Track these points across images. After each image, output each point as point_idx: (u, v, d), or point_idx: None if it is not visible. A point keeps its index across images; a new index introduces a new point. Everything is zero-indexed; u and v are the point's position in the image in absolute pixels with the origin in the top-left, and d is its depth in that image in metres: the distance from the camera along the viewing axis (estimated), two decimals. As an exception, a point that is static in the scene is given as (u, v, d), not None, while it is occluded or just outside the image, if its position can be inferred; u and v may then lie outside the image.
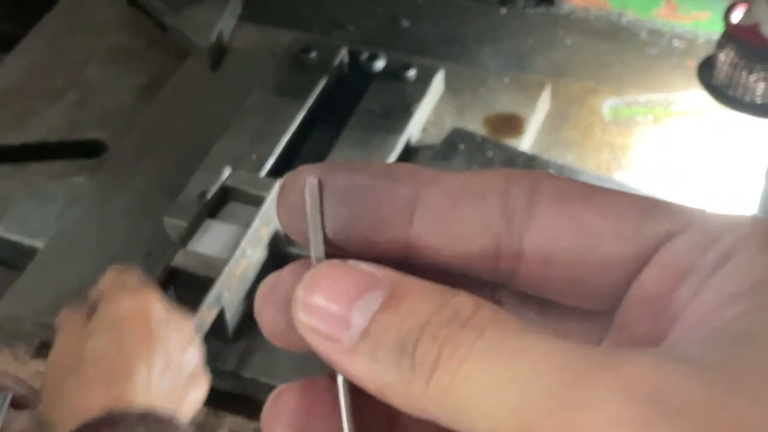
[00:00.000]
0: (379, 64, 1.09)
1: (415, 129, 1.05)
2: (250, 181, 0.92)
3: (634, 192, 0.24)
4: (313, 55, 1.08)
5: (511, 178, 0.24)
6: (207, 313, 0.83)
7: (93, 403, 0.68)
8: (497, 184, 0.24)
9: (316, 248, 0.24)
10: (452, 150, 1.02)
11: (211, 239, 0.87)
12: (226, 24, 1.16)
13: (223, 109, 1.06)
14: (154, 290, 0.75)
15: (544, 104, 1.09)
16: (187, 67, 1.15)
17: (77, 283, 0.93)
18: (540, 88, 1.09)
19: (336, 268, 0.23)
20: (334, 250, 0.24)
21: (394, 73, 1.08)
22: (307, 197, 0.24)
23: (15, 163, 1.07)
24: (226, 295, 0.85)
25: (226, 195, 0.91)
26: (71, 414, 0.68)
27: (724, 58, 0.98)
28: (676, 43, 1.17)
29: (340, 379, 0.23)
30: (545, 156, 1.03)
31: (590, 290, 0.24)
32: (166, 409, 0.70)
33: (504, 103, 1.09)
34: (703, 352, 0.20)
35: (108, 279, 0.76)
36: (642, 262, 0.23)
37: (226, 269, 0.84)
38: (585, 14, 1.22)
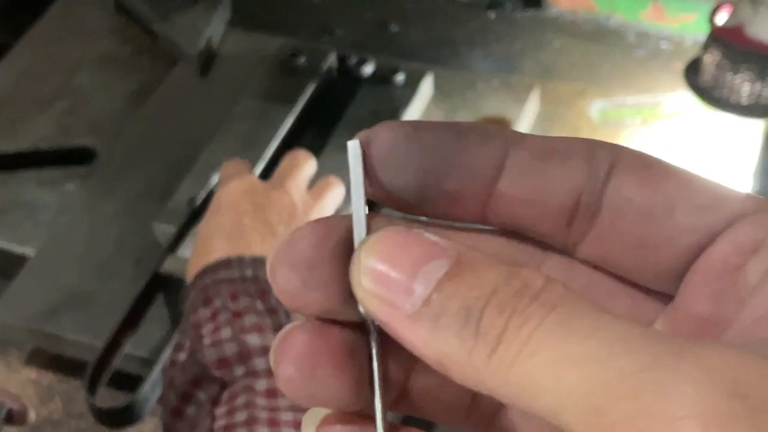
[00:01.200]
0: (368, 69, 1.09)
1: (403, 133, 1.05)
2: None
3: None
4: (301, 60, 1.08)
5: (595, 143, 0.24)
6: None
7: (213, 257, 0.77)
8: (582, 146, 0.24)
9: (357, 210, 0.24)
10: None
11: None
12: (214, 30, 1.16)
13: (212, 114, 1.06)
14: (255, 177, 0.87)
15: (532, 107, 1.10)
16: (176, 73, 1.15)
17: (68, 290, 0.94)
18: (528, 90, 1.10)
19: (400, 234, 0.22)
20: (406, 205, 0.24)
21: (382, 77, 1.08)
22: (350, 161, 0.24)
23: (5, 171, 1.07)
24: None
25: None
26: (191, 272, 0.77)
27: (710, 59, 0.99)
28: (664, 45, 1.18)
29: (373, 340, 0.23)
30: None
31: (655, 261, 0.24)
32: None
33: (493, 106, 1.09)
34: None
35: (222, 170, 0.89)
36: (712, 236, 0.23)
37: None
38: (573, 17, 1.22)
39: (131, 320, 0.83)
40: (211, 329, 0.70)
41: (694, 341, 0.19)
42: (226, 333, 0.69)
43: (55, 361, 0.95)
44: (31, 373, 0.95)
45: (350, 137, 0.24)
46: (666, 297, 0.25)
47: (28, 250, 0.99)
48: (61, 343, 0.92)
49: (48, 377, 0.94)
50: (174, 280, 0.85)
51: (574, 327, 0.20)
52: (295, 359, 0.23)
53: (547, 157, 0.24)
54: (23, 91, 1.16)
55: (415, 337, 0.21)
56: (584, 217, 0.24)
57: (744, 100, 0.99)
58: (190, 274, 0.78)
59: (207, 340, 0.70)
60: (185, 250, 0.87)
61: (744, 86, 0.98)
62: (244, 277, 0.74)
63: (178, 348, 0.72)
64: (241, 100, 1.06)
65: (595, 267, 0.25)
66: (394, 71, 1.08)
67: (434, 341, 0.21)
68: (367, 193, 0.24)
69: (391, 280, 0.22)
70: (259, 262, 0.75)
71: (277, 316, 0.71)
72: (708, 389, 0.18)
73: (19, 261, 0.98)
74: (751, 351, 0.19)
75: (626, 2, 1.20)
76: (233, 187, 0.84)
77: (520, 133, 0.24)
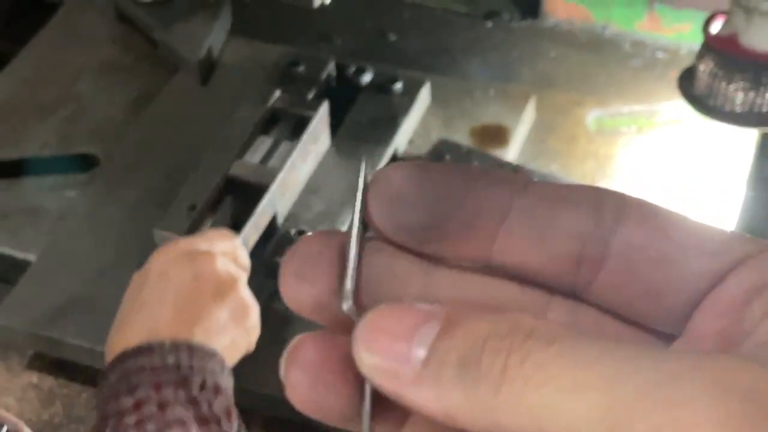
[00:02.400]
0: (366, 77, 1.10)
1: (401, 140, 1.06)
2: (298, 102, 1.02)
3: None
4: (301, 68, 1.09)
5: (602, 191, 0.25)
6: (260, 219, 0.92)
7: (132, 338, 0.76)
8: (589, 194, 0.25)
9: (356, 235, 0.25)
10: (438, 160, 1.03)
11: (264, 152, 0.98)
12: (215, 39, 1.17)
13: (212, 122, 1.07)
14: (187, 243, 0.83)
15: (529, 115, 1.11)
16: (176, 81, 1.16)
17: (69, 295, 0.95)
18: (525, 99, 1.11)
19: (394, 308, 0.23)
20: (412, 244, 0.25)
21: (381, 85, 1.09)
22: (360, 180, 0.25)
23: (8, 177, 1.08)
24: (278, 201, 0.95)
25: (275, 116, 1.01)
26: (111, 350, 0.77)
27: (704, 68, 1.00)
28: (660, 54, 1.19)
29: (367, 388, 0.24)
30: (531, 166, 1.05)
31: (664, 304, 0.25)
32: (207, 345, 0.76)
33: (490, 115, 1.10)
34: None
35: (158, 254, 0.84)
36: (718, 279, 0.24)
37: (279, 176, 0.94)
38: (569, 27, 1.24)
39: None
40: (135, 421, 0.70)
41: (701, 355, 0.21)
42: (150, 427, 0.70)
43: (56, 366, 0.96)
44: (32, 377, 0.96)
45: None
46: (671, 338, 0.25)
47: (29, 256, 0.99)
48: (62, 347, 0.93)
49: (49, 381, 0.95)
50: (240, 182, 0.95)
51: (578, 356, 0.21)
52: (304, 364, 0.24)
53: (554, 204, 0.25)
54: (26, 99, 1.17)
55: (422, 398, 0.22)
56: (591, 263, 0.25)
57: (738, 108, 0.99)
58: (109, 350, 0.77)
59: None
60: (250, 156, 0.97)
61: (738, 95, 0.99)
62: (166, 366, 0.73)
63: None
64: (240, 107, 1.07)
65: (601, 310, 0.26)
66: (392, 80, 1.09)
67: (439, 397, 0.22)
68: (366, 222, 0.25)
69: (391, 351, 0.22)
70: (179, 348, 0.75)
71: (198, 407, 0.72)
72: (726, 397, 0.19)
73: (21, 266, 0.99)
74: (757, 362, 0.21)
75: (622, 12, 1.22)
76: (161, 256, 0.82)
77: (529, 179, 0.25)
